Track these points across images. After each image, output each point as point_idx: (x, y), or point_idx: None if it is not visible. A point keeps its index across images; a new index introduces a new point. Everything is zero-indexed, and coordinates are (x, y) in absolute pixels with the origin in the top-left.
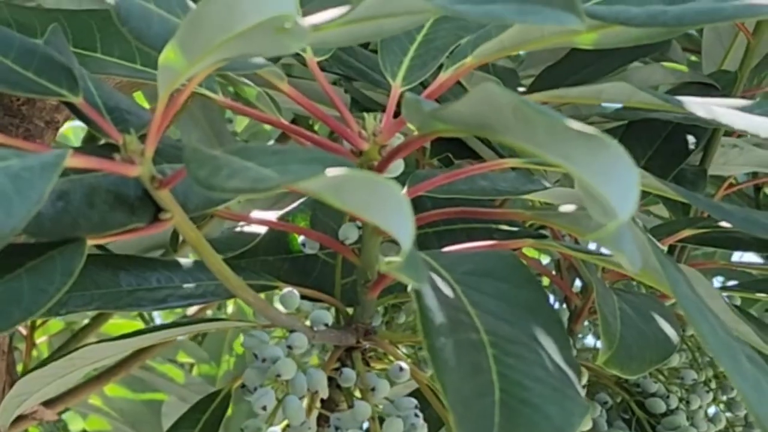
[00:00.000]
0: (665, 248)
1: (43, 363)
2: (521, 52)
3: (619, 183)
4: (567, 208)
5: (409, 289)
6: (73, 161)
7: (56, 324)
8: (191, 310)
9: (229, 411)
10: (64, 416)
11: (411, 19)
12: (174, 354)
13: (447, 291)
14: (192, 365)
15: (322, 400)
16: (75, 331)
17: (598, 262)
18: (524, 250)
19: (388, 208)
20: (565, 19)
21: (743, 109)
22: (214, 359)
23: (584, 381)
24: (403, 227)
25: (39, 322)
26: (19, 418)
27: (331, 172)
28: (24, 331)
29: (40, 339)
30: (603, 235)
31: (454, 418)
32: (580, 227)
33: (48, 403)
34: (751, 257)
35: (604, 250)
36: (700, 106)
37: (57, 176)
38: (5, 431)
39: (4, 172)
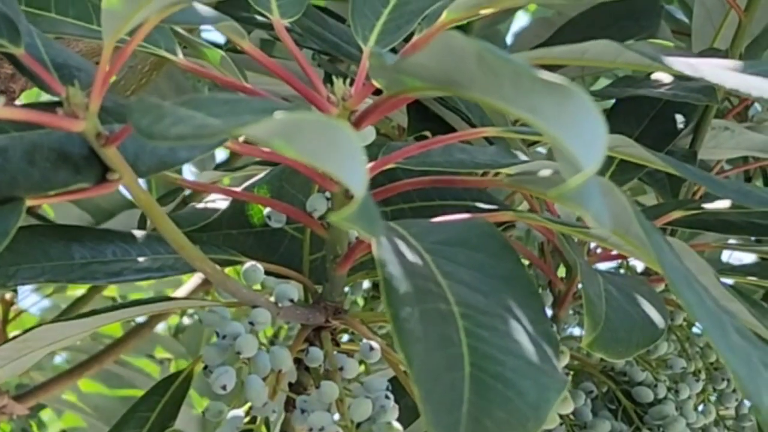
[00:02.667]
0: None
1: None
2: (507, 38)
3: (585, 134)
4: (544, 172)
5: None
6: (8, 112)
7: (30, 318)
8: None
9: None
10: (45, 417)
11: None
12: (151, 349)
13: (415, 259)
14: (169, 360)
15: (290, 384)
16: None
17: (579, 235)
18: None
19: (340, 152)
20: None
21: (734, 68)
22: (191, 354)
23: (564, 362)
24: (356, 173)
25: (12, 315)
26: None
27: (279, 115)
28: None
29: (13, 333)
30: (566, 190)
31: (419, 393)
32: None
33: (19, 398)
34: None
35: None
36: (686, 64)
37: None
38: None
39: None
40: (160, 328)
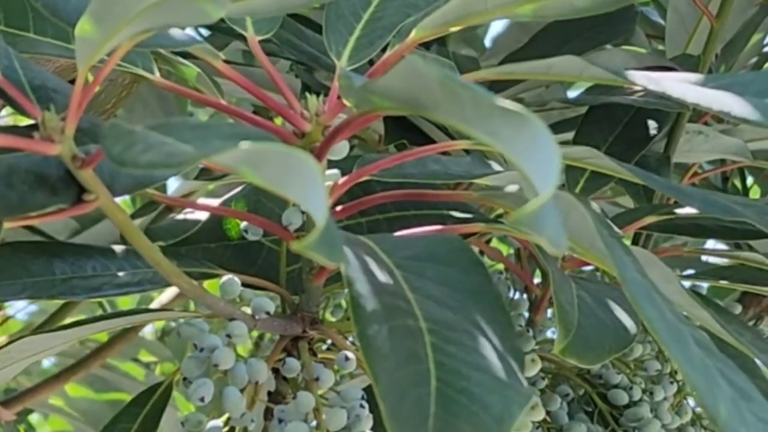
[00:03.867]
0: (629, 236)
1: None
2: (486, 43)
3: (541, 160)
4: (511, 188)
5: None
6: None
7: (17, 324)
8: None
9: None
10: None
11: None
12: (136, 352)
13: (384, 276)
14: (155, 363)
15: (269, 393)
16: (34, 329)
17: None
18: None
19: (302, 181)
20: None
21: (695, 82)
22: (177, 357)
23: (536, 371)
24: (317, 202)
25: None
26: None
27: (245, 145)
28: None
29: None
30: (521, 215)
31: (385, 409)
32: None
33: (6, 403)
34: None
35: None
36: (649, 80)
37: None
38: None
39: None
40: (147, 330)
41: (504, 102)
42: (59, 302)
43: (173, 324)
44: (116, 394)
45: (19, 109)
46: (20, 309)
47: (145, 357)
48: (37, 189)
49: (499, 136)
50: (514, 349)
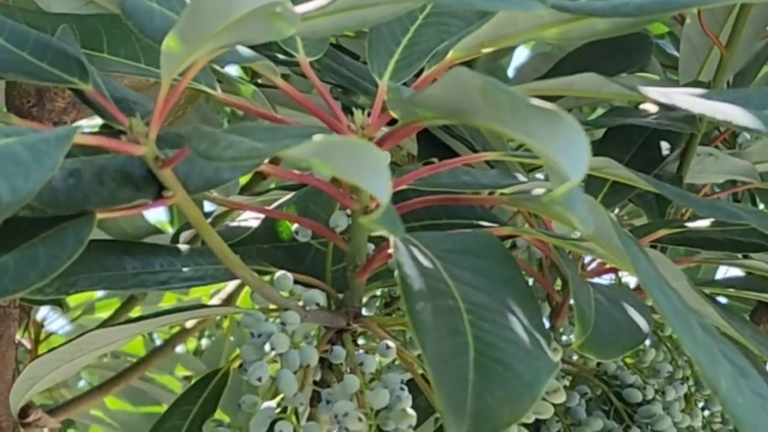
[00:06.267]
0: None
1: (52, 349)
2: (509, 72)
3: (572, 151)
4: (538, 191)
5: (391, 256)
6: (83, 138)
7: (58, 339)
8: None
9: None
10: None
11: (392, 9)
12: (172, 367)
13: (427, 263)
14: (191, 378)
15: (315, 382)
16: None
17: (571, 247)
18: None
19: (368, 169)
20: (530, 5)
21: (704, 96)
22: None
23: (558, 358)
24: (382, 185)
25: (43, 336)
26: (24, 426)
27: (317, 137)
28: (29, 345)
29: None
30: (555, 195)
31: (432, 373)
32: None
33: (51, 412)
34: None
35: (576, 234)
36: (660, 93)
37: (69, 146)
38: (16, 414)
39: (22, 144)
40: (179, 350)
41: (539, 102)
42: (99, 320)
43: (205, 344)
44: (153, 407)
45: (107, 117)
46: (60, 327)
47: (181, 371)
48: (124, 186)
49: (534, 134)
50: (541, 328)
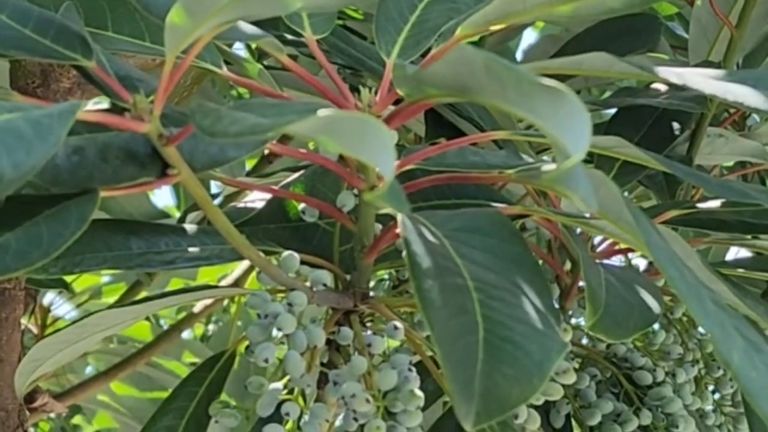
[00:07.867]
0: None
1: (57, 330)
2: (517, 55)
3: (575, 128)
4: (546, 167)
5: (399, 236)
6: (87, 115)
7: (65, 324)
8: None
9: None
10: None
11: None
12: (179, 354)
13: (435, 242)
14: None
15: (323, 364)
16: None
17: (579, 225)
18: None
19: (374, 144)
20: None
21: (715, 76)
22: None
23: (567, 338)
24: (387, 161)
25: (49, 321)
26: (31, 411)
27: (323, 113)
28: (35, 330)
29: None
30: (558, 173)
31: (440, 352)
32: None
33: (57, 397)
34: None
35: (585, 214)
36: (672, 73)
37: (72, 122)
38: (21, 396)
39: (25, 119)
40: (186, 336)
41: (543, 79)
42: (105, 304)
43: (212, 329)
44: (160, 392)
45: (110, 94)
46: (66, 312)
47: (188, 358)
48: (128, 163)
49: (538, 111)
50: (550, 307)
